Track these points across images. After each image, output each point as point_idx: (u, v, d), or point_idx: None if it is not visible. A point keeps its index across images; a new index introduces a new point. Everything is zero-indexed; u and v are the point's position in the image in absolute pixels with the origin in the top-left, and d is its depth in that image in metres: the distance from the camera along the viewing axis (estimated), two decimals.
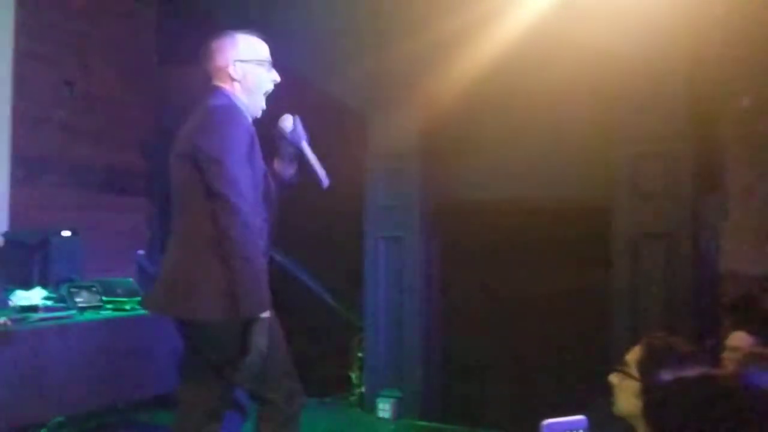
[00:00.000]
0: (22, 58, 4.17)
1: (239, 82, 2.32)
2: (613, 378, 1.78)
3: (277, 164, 2.44)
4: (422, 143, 4.33)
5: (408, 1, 4.19)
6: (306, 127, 2.44)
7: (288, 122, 2.42)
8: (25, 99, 4.19)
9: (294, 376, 2.35)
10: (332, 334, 4.69)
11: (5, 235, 3.81)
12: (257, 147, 2.25)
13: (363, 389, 4.45)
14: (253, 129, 2.26)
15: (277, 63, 2.39)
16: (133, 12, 4.94)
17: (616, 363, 1.82)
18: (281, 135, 2.41)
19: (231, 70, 2.32)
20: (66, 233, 3.72)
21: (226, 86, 2.32)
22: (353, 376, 4.58)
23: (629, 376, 1.71)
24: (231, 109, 2.24)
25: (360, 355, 4.52)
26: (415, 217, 4.29)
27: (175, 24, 4.95)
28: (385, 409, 4.22)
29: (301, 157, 2.43)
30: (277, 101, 2.42)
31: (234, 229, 2.08)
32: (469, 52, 3.94)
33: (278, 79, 2.38)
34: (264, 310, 2.12)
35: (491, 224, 4.08)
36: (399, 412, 4.21)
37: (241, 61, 2.33)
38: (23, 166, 4.19)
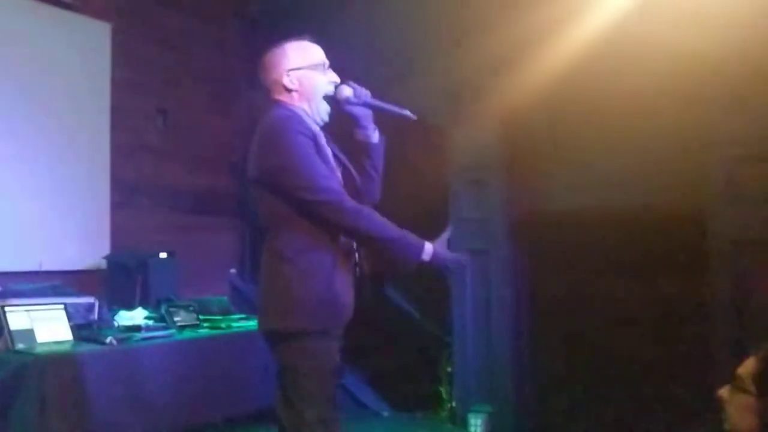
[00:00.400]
0: (118, 87, 4.40)
1: (296, 91, 2.27)
2: (724, 393, 1.69)
3: (361, 134, 2.34)
4: (505, 153, 4.28)
5: (481, 5, 4.16)
6: (362, 85, 2.33)
7: (346, 90, 2.30)
8: (121, 127, 4.41)
9: (334, 424, 2.14)
10: (421, 348, 4.68)
11: (108, 257, 4.00)
12: (325, 150, 2.21)
13: (453, 404, 4.41)
14: (316, 131, 2.22)
15: (351, 79, 2.38)
16: (221, 40, 5.12)
17: (719, 377, 1.74)
18: (350, 103, 2.29)
19: (286, 81, 2.27)
20: (163, 255, 3.87)
21: (284, 98, 2.28)
22: (442, 390, 4.55)
23: (743, 390, 1.63)
24: (286, 119, 2.19)
25: (449, 369, 4.48)
26: (501, 229, 4.24)
27: (262, 49, 5.09)
28: (476, 424, 4.16)
29: (376, 109, 2.32)
30: None
31: (346, 222, 2.10)
32: (549, 56, 3.85)
33: (337, 80, 2.31)
34: (424, 253, 2.11)
35: (580, 234, 3.98)
36: (491, 427, 4.15)
37: (294, 69, 2.27)
38: (121, 191, 4.40)
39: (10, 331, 2.85)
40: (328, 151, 2.23)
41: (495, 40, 3.95)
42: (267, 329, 2.18)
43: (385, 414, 4.62)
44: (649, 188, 3.83)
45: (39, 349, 2.84)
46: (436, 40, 4.27)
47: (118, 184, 4.38)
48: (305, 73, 2.28)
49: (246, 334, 3.54)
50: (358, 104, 2.29)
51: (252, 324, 3.58)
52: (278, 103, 2.27)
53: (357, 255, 2.28)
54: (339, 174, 2.25)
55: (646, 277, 3.86)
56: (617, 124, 3.87)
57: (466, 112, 4.27)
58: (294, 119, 2.19)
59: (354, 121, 2.33)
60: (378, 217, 2.14)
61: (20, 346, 2.84)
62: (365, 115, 2.31)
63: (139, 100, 4.56)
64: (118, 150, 4.39)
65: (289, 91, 2.28)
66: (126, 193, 4.44)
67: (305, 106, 2.27)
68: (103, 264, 4.00)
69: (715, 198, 3.57)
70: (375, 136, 2.34)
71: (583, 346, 4.04)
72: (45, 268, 3.66)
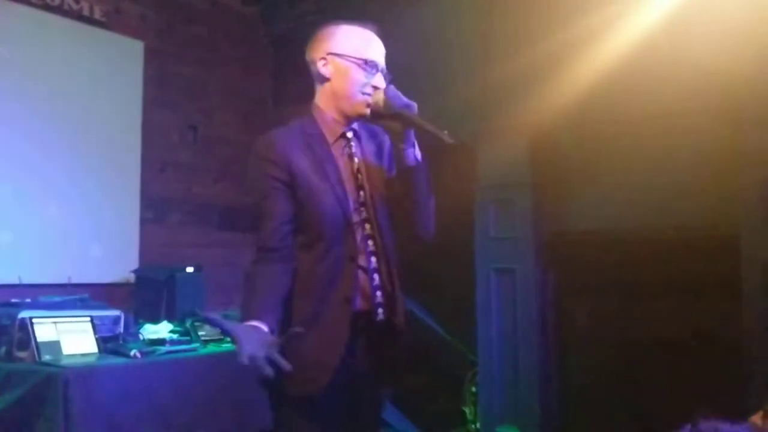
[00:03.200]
0: (149, 105, 4.47)
1: (329, 81, 1.93)
2: (757, 419, 1.65)
3: (396, 152, 1.95)
4: (533, 172, 4.24)
5: (509, 24, 4.15)
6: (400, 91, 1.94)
7: (378, 97, 1.92)
8: (152, 143, 4.48)
9: None
10: (446, 367, 4.64)
11: (136, 272, 4.04)
12: (320, 163, 1.91)
13: (478, 425, 4.36)
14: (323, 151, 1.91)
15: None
16: (250, 58, 5.19)
17: (751, 403, 1.69)
18: (378, 114, 1.94)
19: (320, 65, 1.93)
20: (190, 269, 3.89)
21: (316, 100, 1.97)
22: (467, 411, 4.50)
23: None
24: (258, 145, 1.96)
25: (473, 389, 4.43)
26: (528, 248, 4.19)
27: (289, 67, 5.16)
28: None
29: (408, 124, 1.89)
30: None
31: None
32: (578, 73, 3.82)
33: (382, 85, 1.93)
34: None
35: (608, 253, 3.92)
36: None
37: (335, 54, 1.92)
38: (150, 206, 4.45)
39: (36, 343, 2.89)
40: (328, 165, 1.92)
41: (523, 57, 3.94)
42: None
43: None
44: (680, 209, 3.77)
45: (65, 361, 2.87)
46: (464, 57, 4.27)
47: (147, 199, 4.43)
48: (345, 63, 1.92)
49: None
50: (386, 116, 1.92)
51: None
52: (298, 117, 2.00)
53: (379, 296, 1.97)
54: (345, 188, 1.93)
55: (676, 299, 3.79)
56: (647, 143, 3.82)
57: (493, 129, 4.25)
58: (272, 138, 1.95)
59: (391, 138, 2.00)
60: (255, 287, 1.87)
61: (46, 357, 2.87)
62: (398, 130, 1.92)
63: (170, 116, 4.63)
64: (149, 165, 4.46)
65: (322, 81, 1.95)
66: (155, 209, 4.49)
67: (330, 103, 1.95)
68: (132, 278, 4.04)
69: (751, 220, 3.50)
70: (409, 158, 1.92)
71: (611, 368, 3.96)
72: (73, 280, 3.70)
